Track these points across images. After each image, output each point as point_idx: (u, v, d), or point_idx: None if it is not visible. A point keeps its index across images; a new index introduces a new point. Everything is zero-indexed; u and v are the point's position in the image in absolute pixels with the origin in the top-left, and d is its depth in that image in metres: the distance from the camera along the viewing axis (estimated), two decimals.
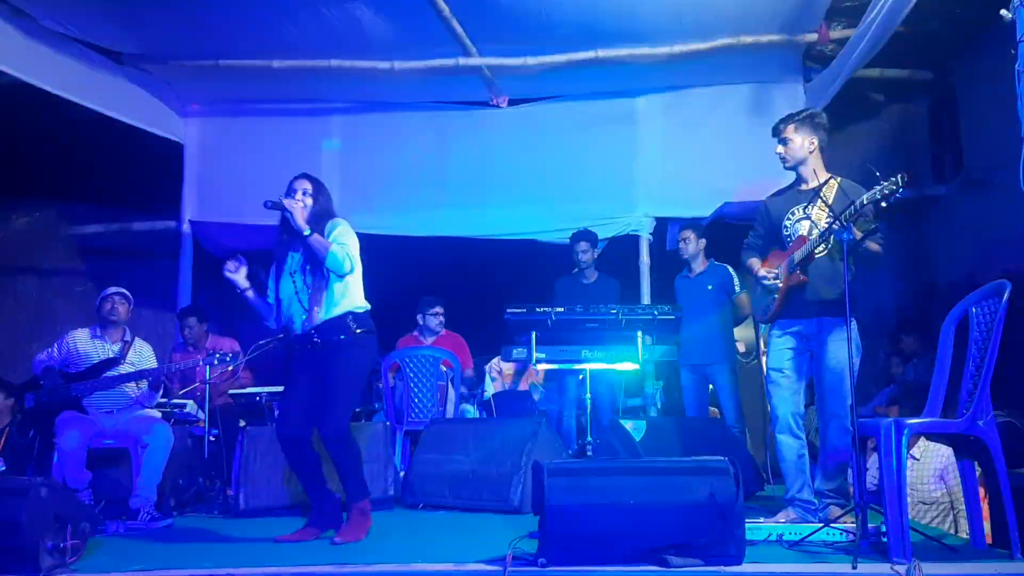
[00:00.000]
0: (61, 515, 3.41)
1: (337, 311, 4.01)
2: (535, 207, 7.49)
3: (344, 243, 4.01)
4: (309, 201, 4.09)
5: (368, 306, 4.14)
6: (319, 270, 4.00)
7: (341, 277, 4.02)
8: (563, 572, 3.02)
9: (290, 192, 4.10)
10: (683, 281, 6.31)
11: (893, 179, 3.50)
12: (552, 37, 6.43)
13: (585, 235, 6.44)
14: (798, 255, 3.98)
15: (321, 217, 4.09)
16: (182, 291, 7.65)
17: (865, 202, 3.62)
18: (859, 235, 3.67)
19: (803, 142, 4.10)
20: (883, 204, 3.57)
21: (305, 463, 4.07)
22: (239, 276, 4.13)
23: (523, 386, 7.08)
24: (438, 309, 6.73)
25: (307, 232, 3.93)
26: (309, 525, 4.05)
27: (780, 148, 4.16)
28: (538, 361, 5.55)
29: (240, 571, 3.21)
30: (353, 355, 4.03)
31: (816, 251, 3.96)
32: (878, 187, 3.55)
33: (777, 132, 4.16)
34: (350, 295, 4.06)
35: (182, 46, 6.67)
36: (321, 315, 3.99)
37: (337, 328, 4.00)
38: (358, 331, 4.03)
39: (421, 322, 6.77)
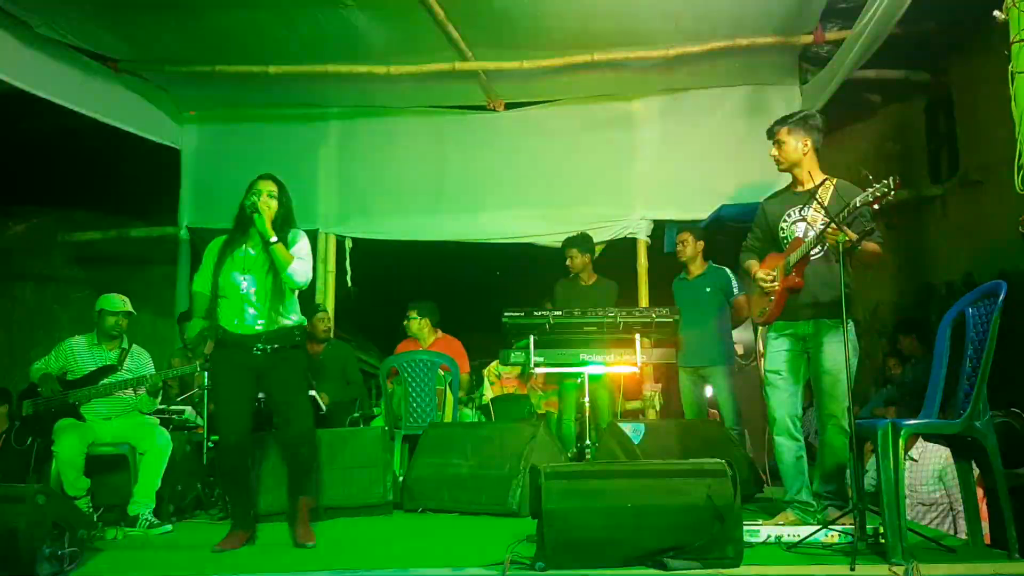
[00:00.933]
0: (59, 522, 3.42)
1: (290, 320, 4.09)
2: (532, 211, 7.48)
3: (304, 259, 4.07)
4: (274, 204, 4.08)
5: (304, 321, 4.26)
6: (277, 278, 4.03)
7: (294, 290, 4.09)
8: None
9: (255, 193, 4.08)
10: (681, 283, 6.30)
11: (885, 182, 3.51)
12: (548, 40, 6.44)
13: (574, 241, 6.40)
14: (793, 257, 3.99)
15: (285, 222, 4.11)
16: (180, 297, 7.63)
17: (857, 204, 3.63)
18: (855, 237, 3.68)
19: (796, 144, 4.10)
20: (875, 207, 3.58)
21: (241, 470, 4.14)
22: None
23: (522, 390, 7.09)
24: (411, 313, 6.69)
25: (273, 239, 3.97)
26: (239, 529, 4.05)
27: (774, 150, 4.17)
28: (536, 365, 5.55)
29: None
30: (297, 364, 4.14)
31: (812, 253, 3.96)
32: (870, 189, 3.56)
33: (771, 134, 4.17)
34: (296, 307, 4.17)
35: (178, 52, 6.67)
36: (271, 323, 4.04)
37: (291, 335, 4.08)
38: (299, 340, 4.14)
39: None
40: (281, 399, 4.08)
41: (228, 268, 4.09)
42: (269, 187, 4.10)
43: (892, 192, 3.50)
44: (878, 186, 3.52)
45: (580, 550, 3.07)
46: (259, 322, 4.03)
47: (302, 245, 4.11)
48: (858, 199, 3.63)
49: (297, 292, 4.14)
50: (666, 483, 3.17)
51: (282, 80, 6.95)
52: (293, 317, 4.12)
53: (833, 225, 3.68)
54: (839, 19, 6.26)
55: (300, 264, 4.01)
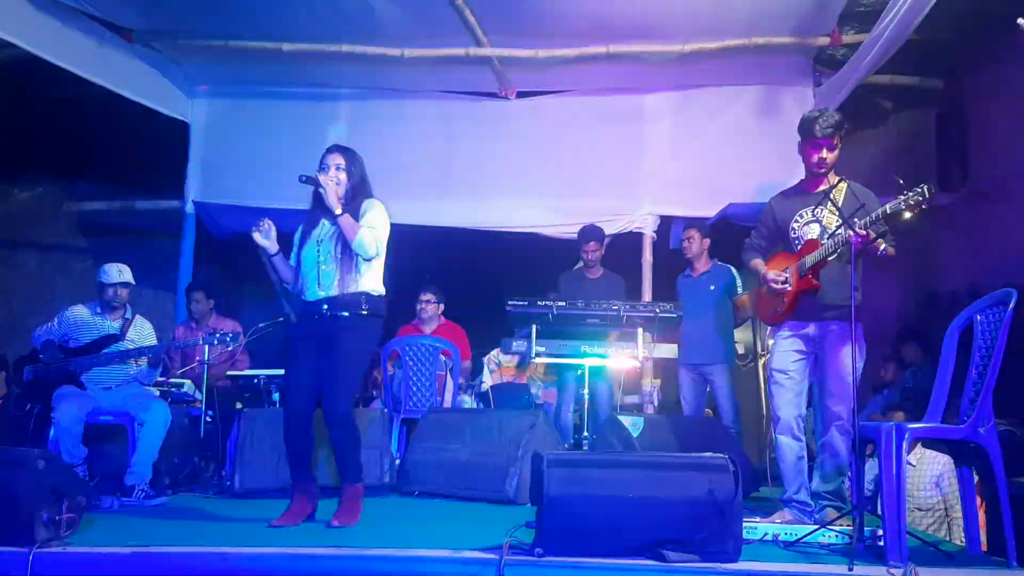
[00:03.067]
0: (58, 488, 3.41)
1: (353, 289, 4.01)
2: (539, 201, 7.47)
3: (374, 227, 4.02)
4: (343, 176, 4.08)
5: (383, 291, 4.14)
6: (348, 246, 3.99)
7: (367, 260, 4.03)
8: (559, 563, 3.02)
9: (323, 167, 4.08)
10: (685, 280, 6.29)
11: (919, 189, 3.46)
12: (564, 30, 6.41)
13: (595, 234, 6.37)
14: (810, 259, 3.96)
15: (356, 193, 4.10)
16: (184, 271, 7.61)
17: (889, 211, 3.58)
18: (873, 236, 3.66)
19: (839, 149, 4.07)
20: (907, 215, 3.53)
21: (304, 443, 4.06)
22: (268, 240, 4.08)
23: (521, 379, 7.09)
24: (427, 296, 6.71)
25: (338, 212, 3.95)
26: (297, 505, 4.00)
27: (828, 154, 4.04)
28: (537, 355, 5.56)
29: (234, 551, 3.20)
30: (356, 335, 4.02)
31: (829, 257, 3.94)
32: (903, 196, 3.51)
33: (827, 136, 4.01)
34: (370, 277, 4.07)
35: (193, 25, 6.63)
36: (338, 289, 3.99)
37: (348, 305, 3.99)
38: (365, 311, 4.02)
39: (417, 310, 6.76)
40: (326, 370, 4.00)
41: (308, 242, 4.11)
42: (336, 160, 4.09)
43: (926, 201, 3.46)
44: (911, 193, 3.48)
45: (580, 538, 3.06)
46: (326, 289, 4.01)
47: (373, 215, 4.06)
48: (889, 205, 3.58)
49: (372, 263, 4.07)
50: (669, 475, 3.16)
51: (295, 58, 6.91)
52: (364, 286, 4.04)
53: (857, 228, 3.64)
54: (856, 23, 6.25)
55: (368, 233, 3.96)
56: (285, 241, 4.20)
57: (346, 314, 3.99)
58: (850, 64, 6.21)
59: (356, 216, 4.02)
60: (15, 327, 7.69)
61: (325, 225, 4.09)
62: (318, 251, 4.06)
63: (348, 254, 4.00)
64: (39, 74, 6.24)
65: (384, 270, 4.20)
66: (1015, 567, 3.16)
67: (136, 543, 3.26)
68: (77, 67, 6.26)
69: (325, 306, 4.00)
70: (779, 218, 4.23)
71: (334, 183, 4.00)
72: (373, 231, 4.00)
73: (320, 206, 4.06)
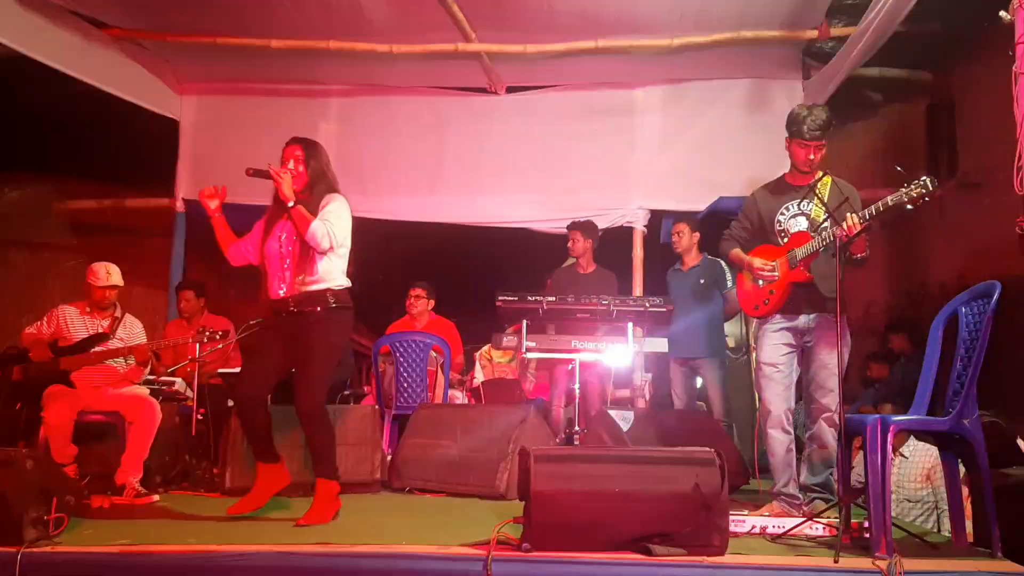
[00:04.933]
0: (46, 488, 3.41)
1: (317, 285, 3.99)
2: (529, 196, 7.48)
3: (330, 220, 3.97)
4: (301, 168, 4.05)
5: (348, 283, 4.10)
6: (304, 241, 3.97)
7: (322, 252, 3.98)
8: (546, 558, 3.03)
9: (283, 159, 4.07)
10: (675, 274, 6.30)
11: (922, 181, 3.45)
12: (552, 25, 6.41)
13: (578, 225, 6.40)
14: (801, 251, 3.96)
15: (316, 185, 4.06)
16: (175, 269, 7.61)
17: (891, 203, 3.56)
18: (857, 228, 3.66)
19: (826, 146, 4.07)
20: (909, 207, 3.51)
21: (257, 425, 4.07)
22: (213, 200, 4.11)
23: (513, 375, 7.09)
24: (417, 291, 6.71)
25: (291, 203, 3.91)
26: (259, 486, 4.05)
27: (816, 155, 4.04)
28: (528, 350, 5.56)
29: (224, 548, 3.21)
30: (328, 329, 4.01)
31: (821, 250, 3.94)
32: (904, 189, 3.50)
33: (816, 138, 4.00)
34: (332, 270, 4.04)
35: (180, 22, 6.62)
36: (302, 285, 3.98)
37: (314, 300, 3.98)
38: (333, 305, 4.00)
39: (407, 305, 6.77)
40: (298, 366, 4.00)
41: (270, 238, 4.10)
42: (294, 152, 4.07)
43: (929, 194, 3.45)
44: (914, 185, 3.46)
45: (567, 533, 3.08)
46: (285, 287, 4.00)
47: (332, 207, 4.01)
48: (890, 198, 3.56)
49: (332, 256, 4.03)
50: (655, 470, 3.17)
51: (284, 55, 6.91)
52: (328, 279, 4.01)
53: (853, 221, 3.65)
54: (844, 15, 6.26)
55: (320, 225, 3.91)
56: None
57: (315, 309, 3.98)
58: (839, 57, 6.23)
59: (316, 209, 3.98)
60: (6, 326, 7.67)
61: (287, 220, 4.06)
62: (279, 246, 4.05)
63: (307, 248, 3.97)
64: (27, 73, 6.21)
65: (356, 266, 4.16)
66: (1000, 557, 3.18)
67: (126, 542, 3.26)
68: (65, 65, 6.26)
69: (292, 304, 3.99)
70: (763, 211, 4.23)
71: (288, 175, 3.96)
72: (327, 223, 3.95)
73: (279, 199, 4.03)
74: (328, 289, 4.00)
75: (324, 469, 4.01)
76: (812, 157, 4.05)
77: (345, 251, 4.10)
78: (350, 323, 4.14)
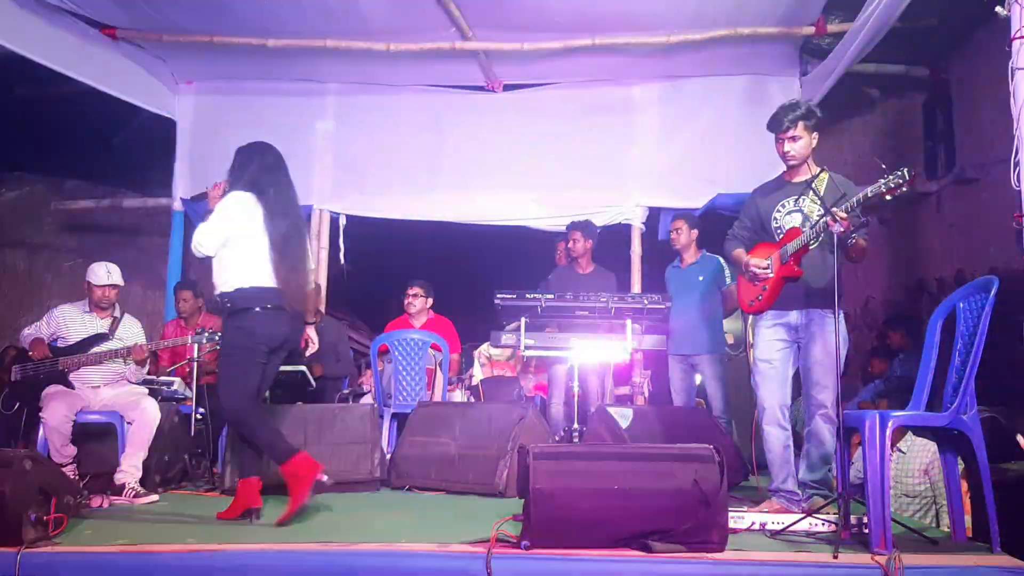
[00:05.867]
0: (46, 488, 3.41)
1: (217, 291, 4.07)
2: (527, 194, 7.48)
3: (208, 221, 4.02)
4: (226, 183, 4.17)
5: (257, 281, 3.99)
6: (222, 247, 4.03)
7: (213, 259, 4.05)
8: (546, 555, 3.03)
9: None
10: (674, 271, 6.30)
11: (899, 172, 3.46)
12: (549, 23, 6.41)
13: (578, 224, 6.40)
14: (791, 247, 3.97)
15: (232, 186, 4.13)
16: (172, 269, 7.60)
17: (869, 195, 3.57)
18: (851, 227, 3.67)
19: (809, 139, 4.07)
20: (887, 197, 3.54)
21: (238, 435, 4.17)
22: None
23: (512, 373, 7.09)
24: (415, 289, 6.71)
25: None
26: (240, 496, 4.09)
27: (790, 146, 4.06)
28: (527, 348, 5.56)
29: (224, 548, 3.21)
30: (226, 333, 4.09)
31: (810, 244, 3.95)
32: (883, 180, 3.51)
33: (785, 129, 4.04)
34: (232, 272, 4.01)
35: (177, 21, 6.61)
36: (217, 290, 4.07)
37: (222, 304, 4.06)
38: (228, 306, 4.02)
39: (405, 304, 6.77)
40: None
41: None
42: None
43: (905, 184, 3.46)
44: (891, 176, 3.48)
45: (566, 529, 3.08)
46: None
47: (217, 207, 4.05)
48: (870, 189, 3.57)
49: (224, 257, 4.01)
50: (653, 467, 3.18)
51: (281, 53, 6.90)
52: (232, 282, 4.00)
53: (838, 214, 3.65)
54: (841, 11, 6.25)
55: (196, 231, 4.02)
56: None
57: (225, 314, 4.06)
58: (836, 52, 6.21)
59: None
60: (4, 326, 7.68)
61: None
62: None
63: (219, 256, 4.03)
64: (24, 73, 6.21)
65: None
66: (999, 552, 3.19)
67: (126, 542, 3.26)
68: (61, 65, 6.23)
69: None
70: (761, 209, 4.24)
71: (218, 193, 4.13)
72: (200, 228, 4.01)
73: None
74: (223, 294, 4.04)
75: (241, 464, 4.14)
76: (787, 150, 4.07)
77: (239, 251, 4.01)
78: (253, 323, 3.98)
